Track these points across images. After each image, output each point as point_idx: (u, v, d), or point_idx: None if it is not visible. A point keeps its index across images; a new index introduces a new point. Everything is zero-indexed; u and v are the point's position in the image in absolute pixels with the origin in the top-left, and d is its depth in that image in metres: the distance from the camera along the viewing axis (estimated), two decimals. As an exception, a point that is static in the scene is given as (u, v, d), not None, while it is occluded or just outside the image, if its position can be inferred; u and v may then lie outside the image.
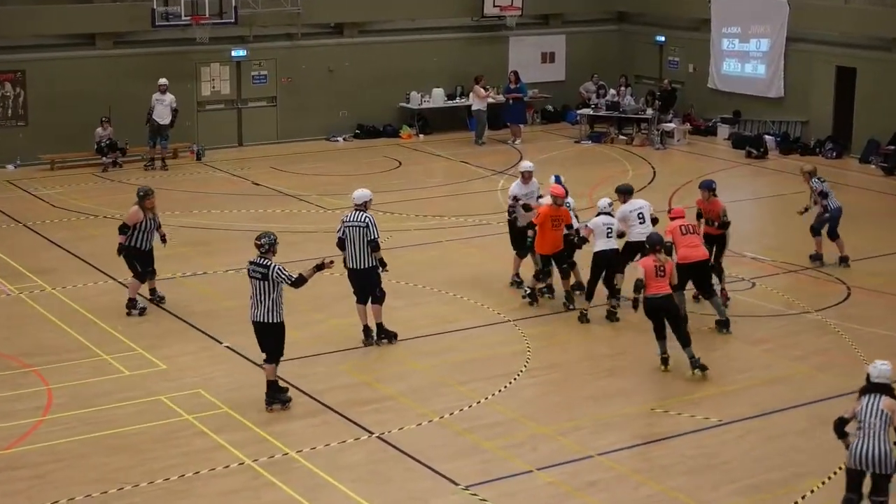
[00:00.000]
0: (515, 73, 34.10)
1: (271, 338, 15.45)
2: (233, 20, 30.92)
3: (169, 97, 29.42)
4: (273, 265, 15.30)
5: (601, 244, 18.68)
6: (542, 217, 18.88)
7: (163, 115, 29.40)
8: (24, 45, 29.89)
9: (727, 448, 14.37)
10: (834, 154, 31.23)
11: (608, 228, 18.68)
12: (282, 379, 15.65)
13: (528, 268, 20.04)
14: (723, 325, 18.30)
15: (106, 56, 30.67)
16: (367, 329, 17.73)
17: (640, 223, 18.82)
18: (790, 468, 13.85)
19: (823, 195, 21.49)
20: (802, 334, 18.35)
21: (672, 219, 18.56)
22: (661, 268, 16.52)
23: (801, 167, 22.33)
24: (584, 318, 18.71)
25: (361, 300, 17.69)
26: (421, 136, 33.94)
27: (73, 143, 29.75)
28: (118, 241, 19.04)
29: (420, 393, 15.92)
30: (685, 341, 16.53)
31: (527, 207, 19.70)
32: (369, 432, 14.67)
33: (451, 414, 15.22)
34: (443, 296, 20.04)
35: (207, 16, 30.36)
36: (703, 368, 16.45)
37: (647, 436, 14.69)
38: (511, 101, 33.86)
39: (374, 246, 17.27)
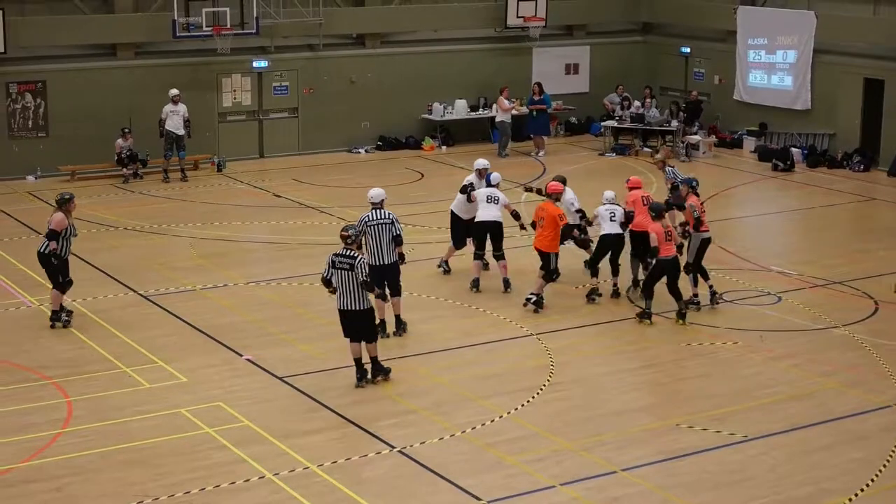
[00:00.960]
0: (539, 84, 34.10)
1: (364, 322, 16.43)
2: (254, 31, 31.03)
3: (182, 107, 29.49)
4: (360, 257, 16.34)
5: (606, 228, 20.13)
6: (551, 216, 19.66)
7: (178, 126, 29.46)
8: (45, 56, 30.05)
9: (752, 464, 14.32)
10: (861, 167, 31.14)
11: (611, 213, 20.13)
12: (304, 393, 15.67)
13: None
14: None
15: (127, 67, 30.81)
16: (382, 322, 18.27)
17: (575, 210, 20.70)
18: (816, 485, 13.78)
19: (675, 188, 21.38)
20: (830, 350, 18.27)
21: (630, 189, 20.53)
22: (669, 233, 18.81)
23: (654, 155, 22.86)
24: (594, 295, 20.31)
25: (381, 296, 18.24)
26: (443, 147, 33.97)
27: (94, 154, 29.88)
28: (50, 248, 18.74)
29: (442, 407, 15.92)
30: (679, 295, 19.12)
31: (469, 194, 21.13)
32: (391, 446, 14.68)
33: (474, 428, 15.21)
34: (465, 309, 20.04)
35: (229, 26, 30.45)
36: (685, 317, 19.01)
37: (672, 451, 14.64)
38: (535, 113, 33.86)
39: (399, 241, 18.18)
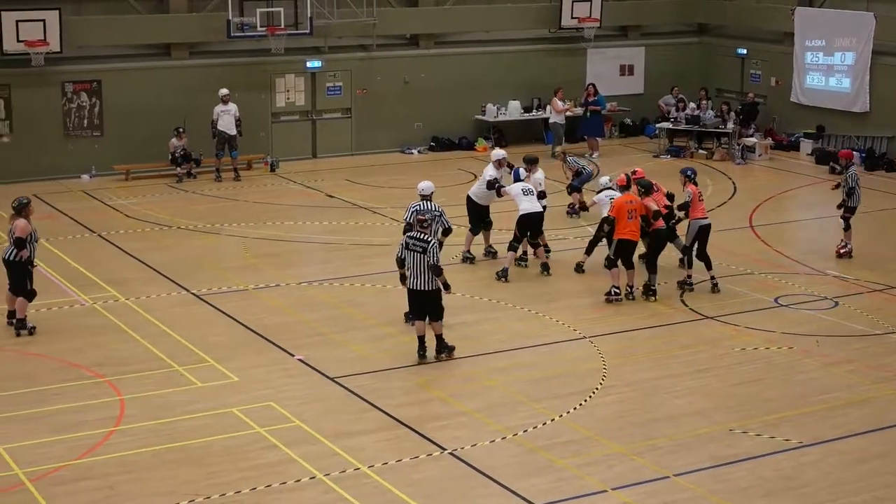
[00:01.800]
0: (593, 85, 33.99)
1: (433, 301, 17.32)
2: (308, 31, 31.15)
3: (233, 107, 29.62)
4: (433, 241, 17.34)
5: (607, 213, 21.11)
6: (618, 209, 20.24)
7: (229, 126, 29.61)
8: (100, 56, 30.32)
9: (807, 471, 14.20)
10: (921, 170, 30.85)
11: (610, 198, 21.17)
12: (358, 395, 15.70)
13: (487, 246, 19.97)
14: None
15: (181, 67, 31.02)
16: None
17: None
18: (871, 492, 13.66)
19: (578, 174, 24.04)
20: (887, 355, 18.09)
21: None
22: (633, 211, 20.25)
23: (555, 152, 27.21)
24: (579, 269, 21.91)
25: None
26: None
27: (148, 153, 30.11)
28: (23, 256, 18.59)
29: (494, 409, 15.90)
30: (654, 269, 20.57)
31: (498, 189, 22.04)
32: (442, 448, 14.68)
33: (526, 431, 15.19)
34: (517, 311, 20.02)
35: (283, 26, 30.59)
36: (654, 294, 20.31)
37: (726, 457, 14.55)
38: (589, 114, 33.76)
39: (447, 232, 19.31)
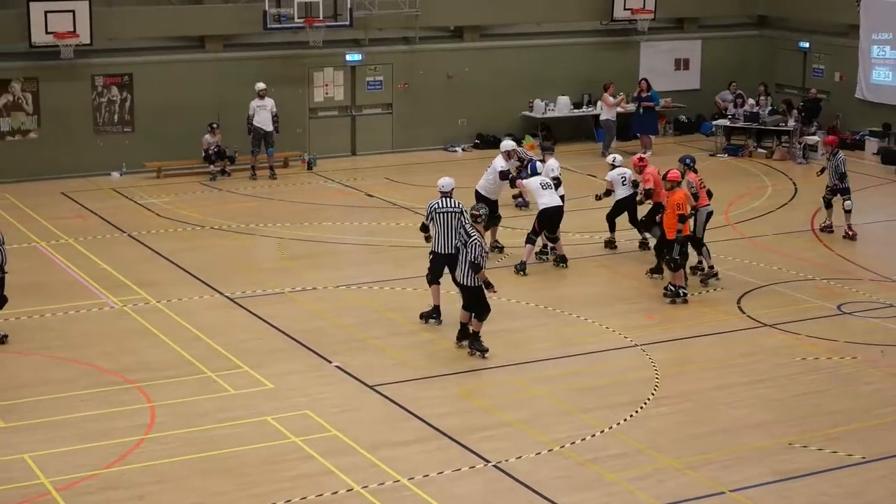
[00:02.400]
0: (646, 80, 33.90)
1: (475, 298, 17.82)
2: (348, 23, 31.22)
3: (269, 102, 29.74)
4: (475, 237, 17.78)
5: (621, 192, 22.95)
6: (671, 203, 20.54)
7: (266, 122, 29.72)
8: (131, 48, 30.54)
9: (871, 487, 14.12)
10: None
11: (622, 177, 22.99)
12: (398, 405, 15.73)
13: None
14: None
15: (215, 60, 31.18)
16: (437, 309, 19.43)
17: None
18: (942, 511, 13.58)
19: (527, 166, 23.65)
20: (957, 366, 17.99)
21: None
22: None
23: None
24: (610, 245, 23.50)
25: (435, 280, 19.31)
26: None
27: (180, 150, 30.26)
28: None
29: (540, 420, 15.90)
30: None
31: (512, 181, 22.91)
32: (485, 460, 14.68)
33: (573, 443, 15.17)
34: (565, 317, 20.00)
35: (321, 18, 30.66)
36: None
37: (785, 472, 14.48)
38: (642, 111, 33.67)
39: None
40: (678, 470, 14.48)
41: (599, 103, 33.59)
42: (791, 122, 32.89)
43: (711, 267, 21.73)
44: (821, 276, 22.14)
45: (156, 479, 14.12)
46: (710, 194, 21.90)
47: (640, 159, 22.89)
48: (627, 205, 23.17)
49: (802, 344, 18.73)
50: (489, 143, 33.88)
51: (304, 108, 32.05)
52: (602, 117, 33.33)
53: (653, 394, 16.76)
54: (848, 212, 24.64)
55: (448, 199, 19.25)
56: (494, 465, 14.55)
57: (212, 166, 29.91)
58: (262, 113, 29.66)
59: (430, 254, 19.42)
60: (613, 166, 23.26)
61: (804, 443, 15.25)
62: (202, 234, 24.98)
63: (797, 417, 16.10)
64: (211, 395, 16.64)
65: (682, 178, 21.37)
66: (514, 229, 24.01)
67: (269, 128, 29.72)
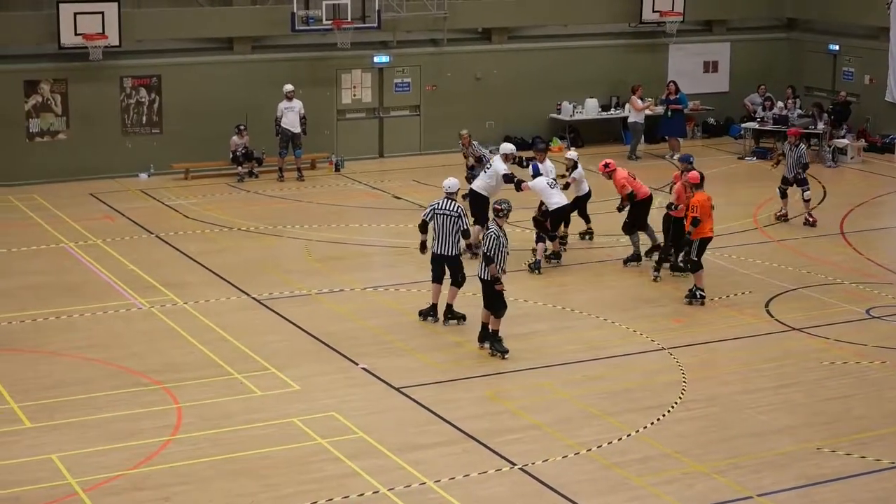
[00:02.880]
0: (675, 83, 33.82)
1: (490, 292, 17.92)
2: (376, 25, 31.24)
3: (297, 104, 29.80)
4: (493, 229, 17.98)
5: (584, 187, 23.63)
6: (702, 207, 20.64)
7: (294, 124, 29.79)
8: (159, 50, 30.64)
9: (901, 493, 14.07)
10: None
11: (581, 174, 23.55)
12: (425, 407, 15.74)
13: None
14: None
15: (243, 61, 31.26)
16: (434, 307, 19.57)
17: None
18: (971, 517, 13.50)
19: (480, 160, 24.63)
20: None
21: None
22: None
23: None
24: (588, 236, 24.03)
25: (437, 279, 19.56)
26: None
27: (208, 151, 30.35)
28: None
29: (567, 423, 15.87)
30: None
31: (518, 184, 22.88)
32: (512, 463, 14.67)
33: (600, 447, 15.14)
34: (592, 320, 19.97)
35: (350, 20, 30.70)
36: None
37: (813, 477, 14.42)
38: (670, 114, 33.60)
39: (466, 234, 19.54)
40: (705, 474, 14.43)
41: (627, 106, 33.53)
42: (820, 126, 32.75)
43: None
44: (849, 279, 22.04)
45: (182, 481, 14.15)
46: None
47: (606, 165, 22.97)
48: (585, 199, 23.83)
49: (831, 348, 18.65)
50: (517, 145, 33.73)
51: (331, 110, 32.09)
52: (630, 119, 33.29)
53: (680, 397, 16.71)
54: (807, 201, 25.60)
55: (449, 202, 19.51)
56: (520, 468, 14.53)
57: (239, 168, 29.97)
58: (290, 115, 29.72)
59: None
60: (575, 162, 23.62)
61: (832, 447, 15.18)
62: (229, 235, 25.04)
63: (825, 422, 16.03)
64: (237, 396, 16.67)
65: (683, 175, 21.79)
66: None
67: (297, 129, 29.78)
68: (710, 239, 20.87)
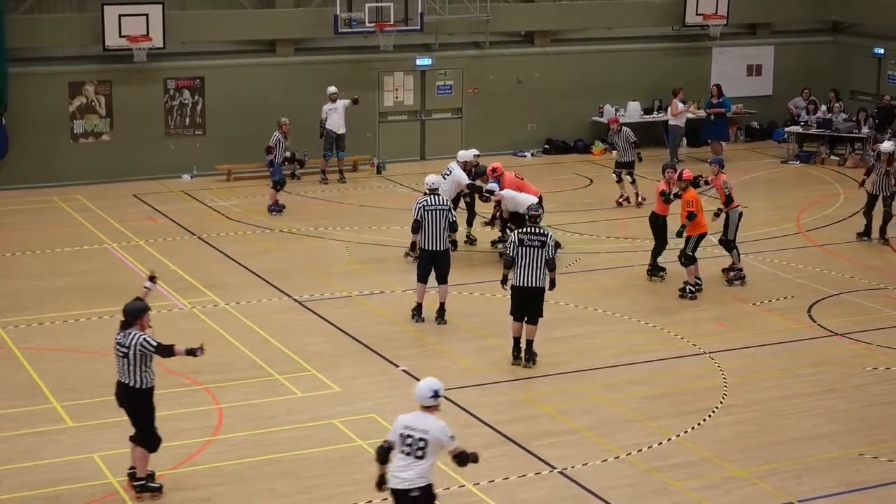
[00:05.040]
0: (718, 86, 33.66)
1: (539, 301, 17.56)
2: (418, 27, 31.28)
3: (340, 104, 29.85)
4: (551, 234, 17.84)
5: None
6: (697, 203, 20.98)
7: (339, 125, 29.85)
8: (203, 52, 30.79)
9: (943, 500, 13.98)
10: None
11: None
12: (459, 406, 15.74)
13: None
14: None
15: (286, 63, 31.37)
16: (419, 307, 19.78)
17: None
18: None
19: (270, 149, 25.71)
20: None
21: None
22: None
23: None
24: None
25: (423, 279, 19.68)
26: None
27: (251, 153, 30.42)
28: None
29: (606, 427, 15.85)
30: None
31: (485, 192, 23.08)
32: (551, 467, 14.67)
33: (639, 451, 15.12)
34: (633, 324, 19.93)
35: (392, 22, 30.75)
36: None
37: (855, 483, 14.35)
38: (713, 117, 33.45)
39: (453, 227, 19.69)
40: (746, 479, 14.39)
41: (669, 109, 33.40)
42: (865, 130, 32.55)
43: (740, 269, 21.91)
44: (893, 285, 21.91)
45: (221, 481, 14.24)
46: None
47: (493, 170, 23.13)
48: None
49: (873, 354, 18.55)
50: (559, 148, 33.85)
51: (373, 113, 32.14)
52: (670, 122, 33.14)
53: (720, 402, 16.67)
54: (633, 182, 27.42)
55: (436, 197, 19.74)
56: (560, 472, 14.53)
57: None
58: (335, 116, 29.78)
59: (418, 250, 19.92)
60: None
61: (874, 454, 15.10)
62: (271, 237, 25.14)
63: (867, 428, 15.94)
64: (278, 397, 16.75)
65: (710, 179, 22.09)
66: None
67: (342, 130, 29.81)
68: (705, 234, 21.18)
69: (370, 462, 14.62)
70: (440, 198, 19.89)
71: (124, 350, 13.66)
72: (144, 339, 13.62)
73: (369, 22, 30.56)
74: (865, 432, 15.82)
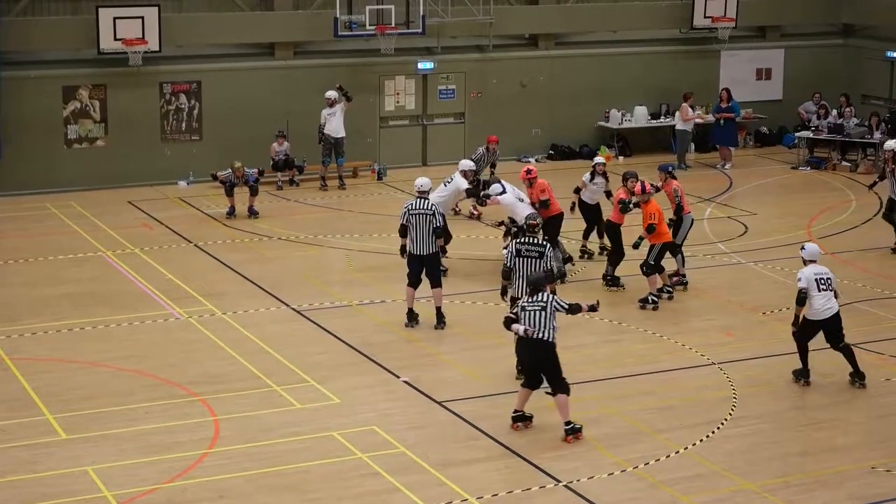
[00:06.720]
0: (727, 90, 33.70)
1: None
2: (420, 30, 31.29)
3: (338, 107, 29.86)
4: (549, 245, 18.08)
5: None
6: (659, 214, 21.09)
7: (338, 129, 29.84)
8: (200, 55, 30.79)
9: (958, 515, 13.96)
10: None
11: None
12: (470, 422, 15.73)
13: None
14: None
15: (285, 67, 31.38)
16: (411, 312, 19.96)
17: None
18: None
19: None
20: None
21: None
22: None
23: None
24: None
25: (414, 284, 19.88)
26: (621, 158, 33.79)
27: (248, 158, 30.25)
28: None
29: (613, 439, 15.84)
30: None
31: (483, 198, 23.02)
32: (556, 480, 14.65)
33: (647, 464, 15.10)
34: (641, 334, 19.92)
35: (393, 25, 30.76)
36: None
37: (867, 496, 14.33)
38: (721, 122, 33.48)
39: (439, 233, 19.76)
40: (756, 493, 14.37)
41: (677, 113, 33.40)
42: (877, 135, 32.55)
43: (683, 275, 22.13)
44: (906, 294, 21.93)
45: (219, 495, 14.22)
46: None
47: (528, 171, 22.79)
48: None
49: (886, 364, 18.54)
50: (564, 153, 33.85)
51: (374, 117, 32.16)
52: (677, 127, 33.16)
53: (730, 414, 16.65)
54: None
55: (422, 201, 19.84)
56: (565, 485, 14.51)
57: (280, 175, 30.06)
58: (333, 120, 29.78)
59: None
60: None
61: (887, 467, 15.08)
62: (269, 244, 25.13)
63: (879, 440, 15.93)
64: (276, 409, 16.73)
65: (660, 186, 22.20)
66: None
67: (341, 134, 29.81)
68: (670, 244, 21.35)
69: (372, 475, 14.69)
70: (427, 202, 19.92)
71: (542, 304, 15.53)
72: (556, 301, 15.69)
73: (370, 25, 30.58)
74: (878, 444, 15.81)
